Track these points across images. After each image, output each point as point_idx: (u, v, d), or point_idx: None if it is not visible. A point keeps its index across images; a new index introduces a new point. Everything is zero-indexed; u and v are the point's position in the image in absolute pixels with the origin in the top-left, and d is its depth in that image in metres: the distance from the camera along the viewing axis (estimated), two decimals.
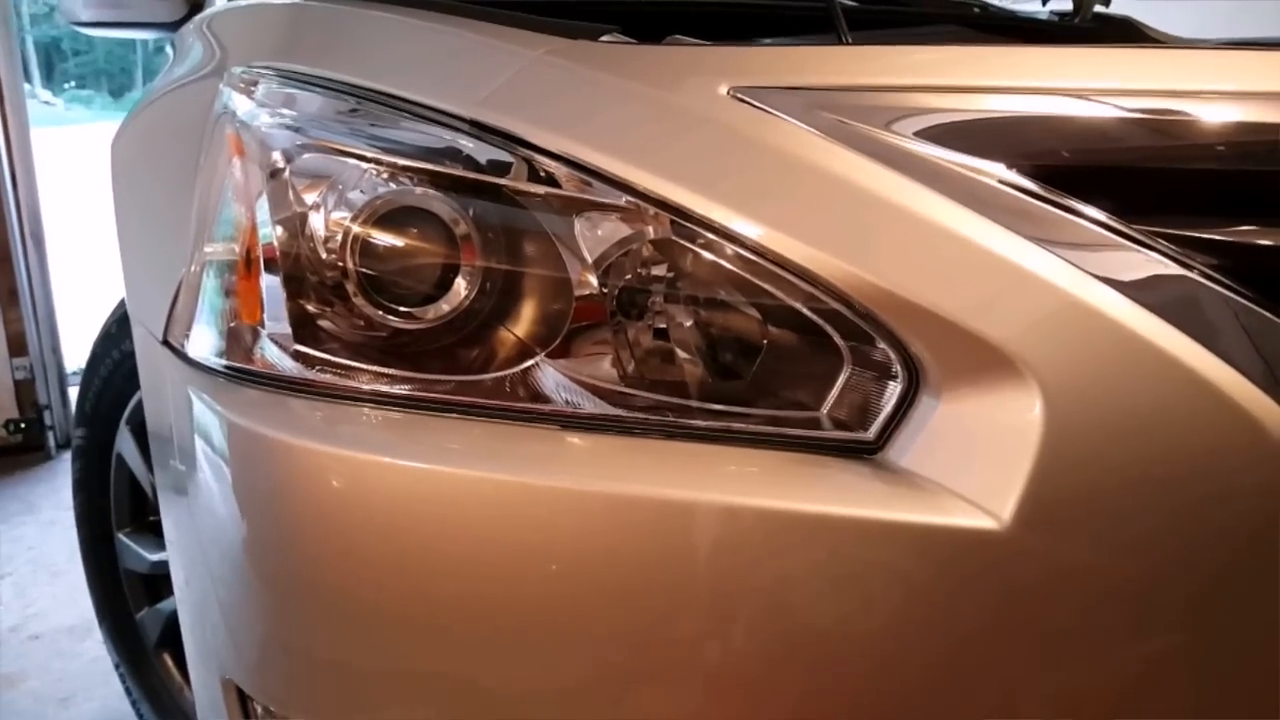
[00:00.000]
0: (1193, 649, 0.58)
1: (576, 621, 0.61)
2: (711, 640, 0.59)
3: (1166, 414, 0.56)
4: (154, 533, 1.38)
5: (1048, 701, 0.59)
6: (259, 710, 0.72)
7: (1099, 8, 1.50)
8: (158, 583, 1.38)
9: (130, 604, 1.44)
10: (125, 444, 1.33)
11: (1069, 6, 1.51)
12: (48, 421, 3.00)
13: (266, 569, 0.69)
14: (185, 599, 0.85)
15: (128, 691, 1.46)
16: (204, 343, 0.74)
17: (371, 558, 0.63)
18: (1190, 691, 0.60)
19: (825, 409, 0.62)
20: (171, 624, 1.34)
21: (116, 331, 1.28)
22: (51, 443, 3.00)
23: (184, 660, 0.90)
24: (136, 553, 1.38)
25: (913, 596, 0.57)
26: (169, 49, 1.28)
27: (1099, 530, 0.56)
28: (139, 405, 1.26)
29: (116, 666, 1.48)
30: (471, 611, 0.63)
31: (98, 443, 1.38)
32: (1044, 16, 1.57)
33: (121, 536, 1.41)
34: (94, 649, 1.87)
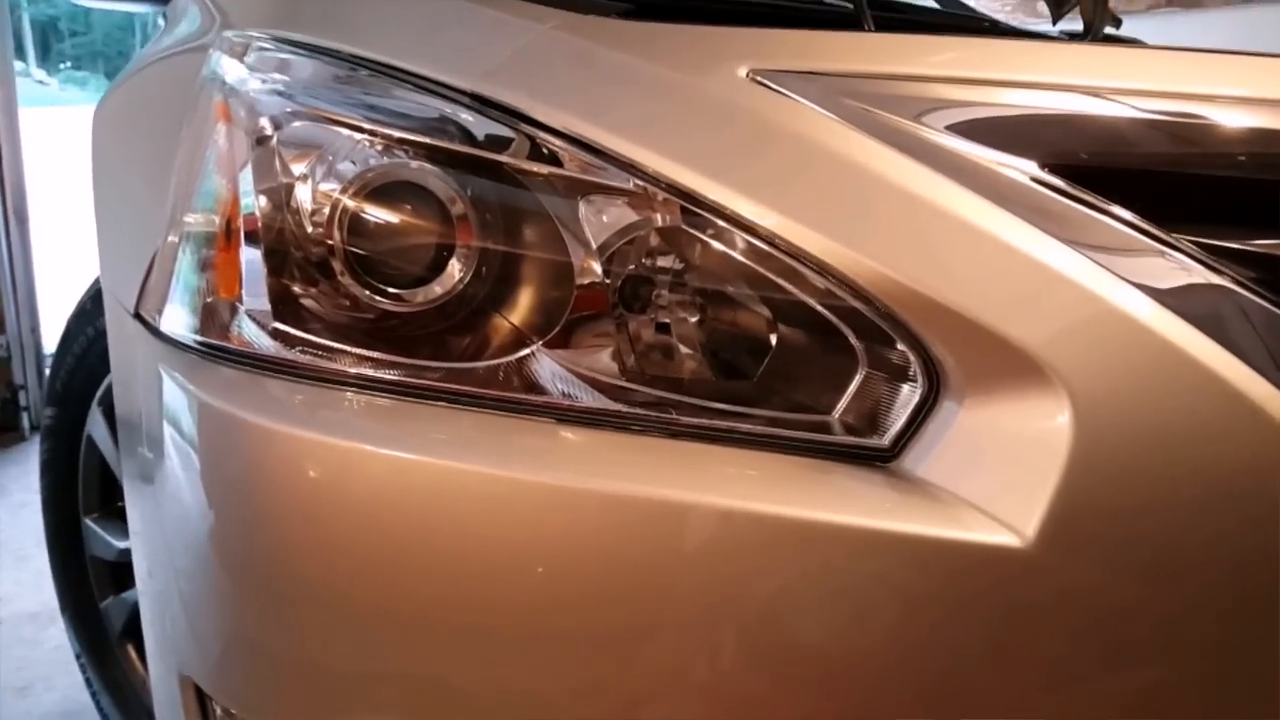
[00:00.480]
0: (1219, 677, 0.55)
1: (562, 626, 0.57)
2: (706, 651, 0.56)
3: (1202, 429, 0.53)
4: (122, 519, 1.33)
5: None
6: (218, 711, 0.67)
7: (1110, 30, 1.49)
8: (124, 571, 1.33)
9: (95, 592, 1.39)
10: (96, 426, 1.29)
11: (1079, 27, 1.50)
12: (22, 402, 2.94)
13: (232, 559, 0.65)
14: (147, 591, 0.81)
15: (88, 683, 1.41)
16: (177, 317, 0.70)
17: (346, 551, 0.59)
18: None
19: (837, 413, 0.59)
20: (137, 615, 1.29)
21: (91, 308, 1.23)
22: (26, 424, 2.95)
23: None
24: (103, 539, 1.33)
25: (921, 614, 0.53)
26: (160, 21, 1.24)
27: (1128, 551, 0.53)
28: (112, 386, 1.22)
29: (78, 656, 1.43)
30: (452, 612, 0.59)
31: (68, 423, 1.33)
32: (1054, 35, 1.55)
33: (89, 521, 1.36)
34: (57, 637, 1.81)
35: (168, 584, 0.72)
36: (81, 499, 1.37)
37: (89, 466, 1.35)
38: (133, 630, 1.33)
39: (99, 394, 1.26)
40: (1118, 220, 0.57)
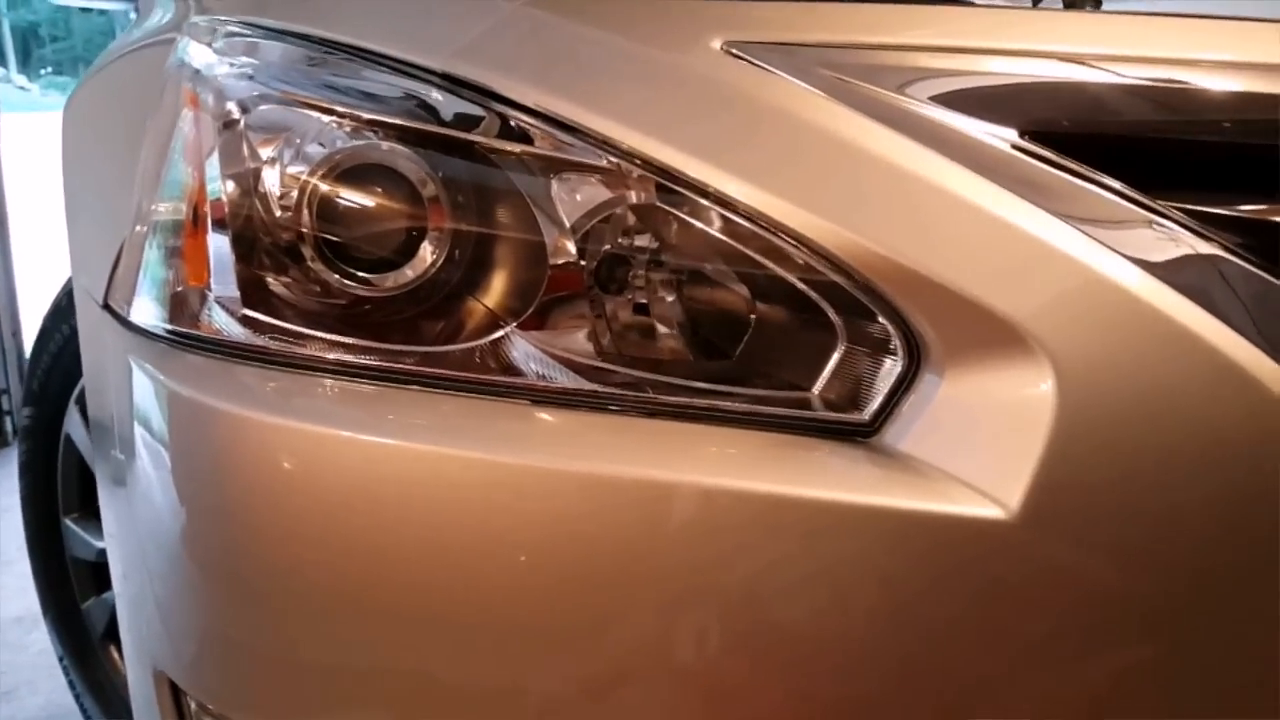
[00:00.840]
0: (1208, 652, 0.54)
1: (547, 612, 0.56)
2: (691, 632, 0.55)
3: (1190, 397, 0.52)
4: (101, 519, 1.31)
5: (1046, 703, 0.54)
6: (193, 706, 0.66)
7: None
8: (104, 572, 1.31)
9: (76, 593, 1.37)
10: (74, 425, 1.27)
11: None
12: (4, 407, 2.91)
13: (204, 551, 0.63)
14: (123, 593, 0.80)
15: (71, 685, 1.40)
16: (146, 306, 0.69)
17: (319, 541, 0.58)
18: (1198, 697, 0.55)
19: (817, 389, 0.58)
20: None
21: (67, 305, 1.21)
22: (9, 428, 2.92)
23: None
24: (83, 539, 1.31)
25: (905, 590, 0.52)
26: (132, 15, 1.23)
27: (1115, 522, 0.52)
28: None
29: (60, 659, 1.42)
30: (431, 601, 0.57)
31: (45, 423, 1.31)
32: None
33: (68, 522, 1.35)
34: (42, 641, 1.79)
35: (142, 583, 0.71)
36: (61, 499, 1.36)
37: (67, 466, 1.33)
38: (114, 631, 1.31)
39: (76, 392, 1.25)
40: (1102, 188, 0.56)
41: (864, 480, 0.53)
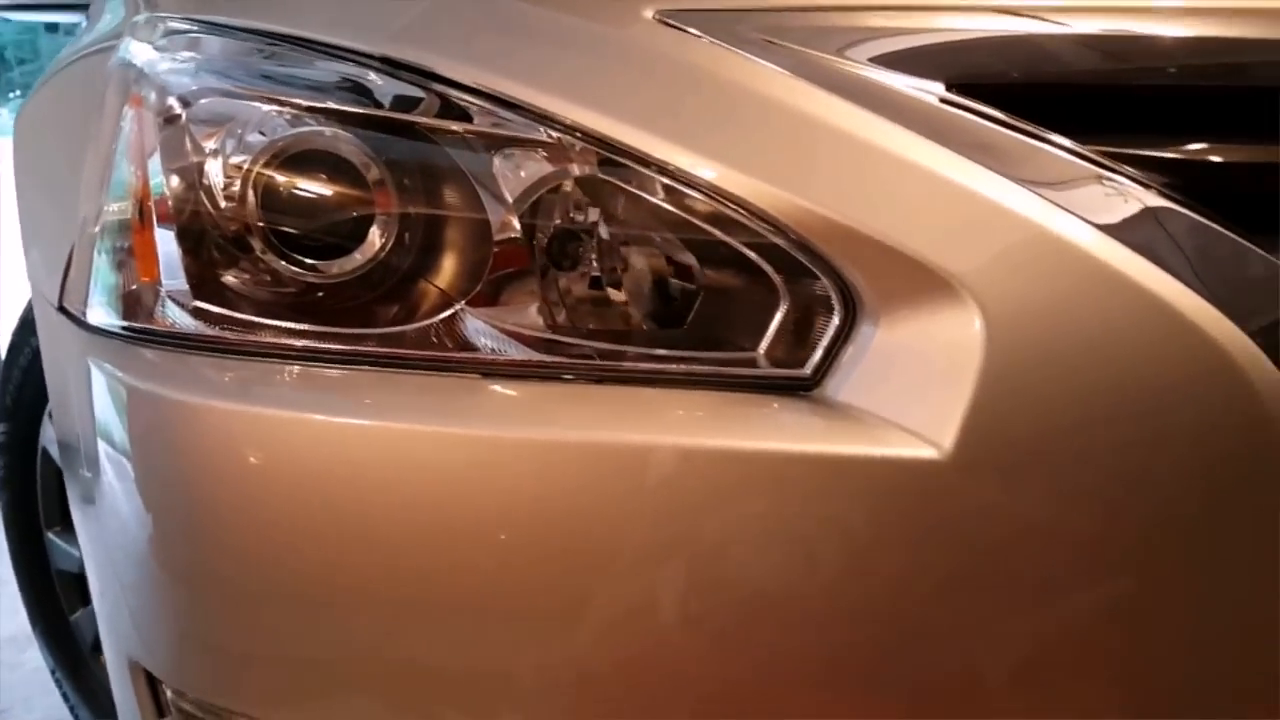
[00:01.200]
0: (1153, 596, 0.55)
1: (523, 585, 0.57)
2: (666, 589, 0.56)
3: (1128, 342, 0.52)
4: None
5: (989, 642, 0.55)
6: (169, 694, 0.67)
7: None
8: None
9: (64, 606, 1.38)
10: (50, 438, 1.27)
11: None
12: None
13: (170, 541, 0.64)
14: (101, 603, 0.80)
15: (65, 697, 1.40)
16: (100, 305, 0.69)
17: (281, 525, 0.59)
18: (1149, 643, 0.56)
19: (762, 348, 0.59)
20: None
21: (33, 317, 1.21)
22: None
23: None
24: (67, 551, 1.31)
25: (852, 537, 0.53)
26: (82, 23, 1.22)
27: (1049, 458, 0.53)
28: None
29: (53, 672, 1.42)
30: (405, 580, 0.58)
31: (21, 437, 1.31)
32: None
33: (51, 535, 1.35)
34: (36, 659, 1.79)
35: (117, 575, 0.72)
36: (42, 513, 1.36)
37: (46, 479, 1.33)
38: None
39: (50, 405, 1.25)
40: (1034, 138, 0.56)
41: (808, 431, 0.54)
